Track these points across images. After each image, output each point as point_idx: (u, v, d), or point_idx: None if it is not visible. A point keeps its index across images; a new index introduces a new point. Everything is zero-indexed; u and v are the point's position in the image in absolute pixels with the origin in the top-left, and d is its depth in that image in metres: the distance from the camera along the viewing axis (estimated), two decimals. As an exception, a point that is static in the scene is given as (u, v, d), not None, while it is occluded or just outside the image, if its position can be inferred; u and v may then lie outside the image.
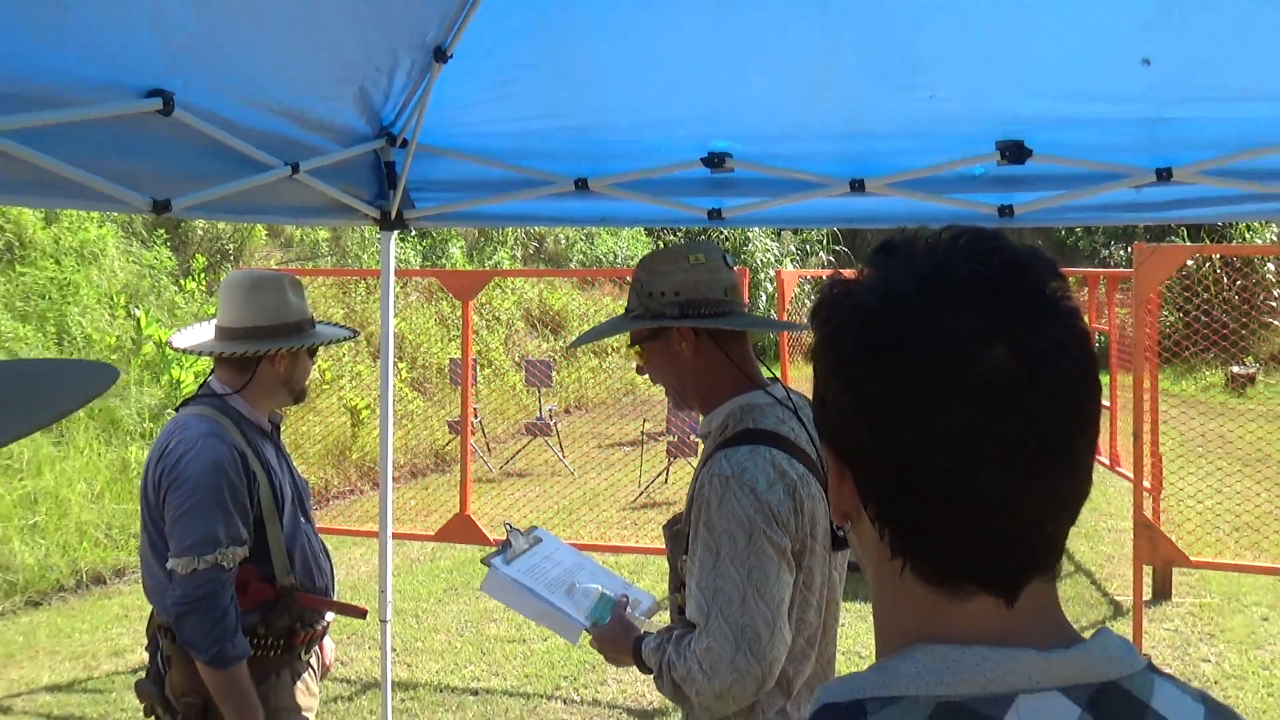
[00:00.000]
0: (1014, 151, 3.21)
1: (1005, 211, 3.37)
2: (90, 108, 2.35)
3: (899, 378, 0.85)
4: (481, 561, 2.80)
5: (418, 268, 15.40)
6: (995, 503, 0.85)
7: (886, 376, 0.86)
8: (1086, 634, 0.89)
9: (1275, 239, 19.42)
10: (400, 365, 13.59)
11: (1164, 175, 3.19)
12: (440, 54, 3.22)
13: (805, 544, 2.21)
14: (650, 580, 7.15)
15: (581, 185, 3.53)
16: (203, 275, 12.43)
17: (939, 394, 0.84)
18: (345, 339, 3.29)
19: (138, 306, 11.30)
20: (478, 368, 14.30)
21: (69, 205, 2.53)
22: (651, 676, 2.31)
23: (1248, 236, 19.34)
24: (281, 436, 3.28)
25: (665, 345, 2.38)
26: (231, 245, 13.53)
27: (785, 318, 9.01)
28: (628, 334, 2.45)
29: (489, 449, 13.56)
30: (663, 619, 2.65)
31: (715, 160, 3.42)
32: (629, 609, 2.57)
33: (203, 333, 3.15)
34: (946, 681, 0.84)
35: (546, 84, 3.37)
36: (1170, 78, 2.98)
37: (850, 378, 0.89)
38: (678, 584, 2.37)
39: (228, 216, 3.11)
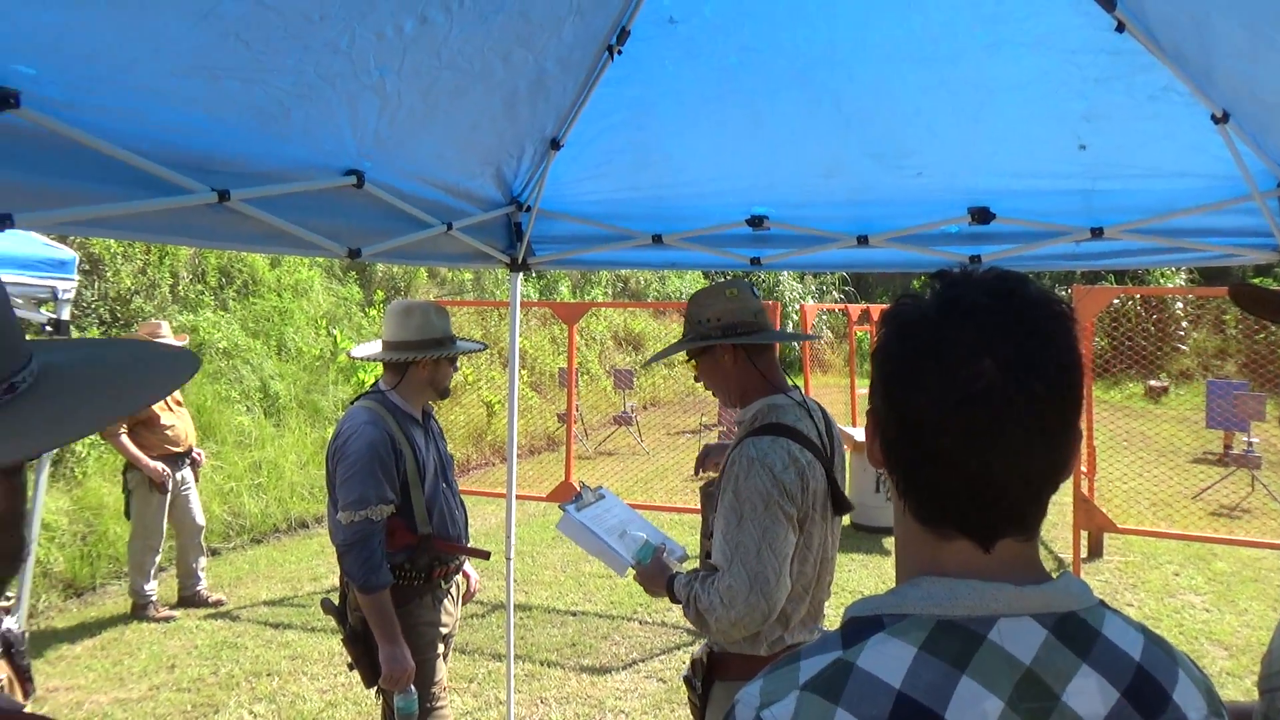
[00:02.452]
0: (981, 215, 3.16)
1: (975, 260, 3.29)
2: (305, 182, 2.42)
3: (911, 365, 0.87)
4: (559, 507, 2.80)
5: (536, 300, 15.51)
6: (963, 471, 0.85)
7: (903, 363, 0.88)
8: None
9: (1184, 282, 18.81)
10: (523, 372, 13.69)
11: (1097, 233, 3.12)
12: (555, 144, 3.26)
13: (808, 513, 2.18)
14: (686, 532, 7.11)
15: (657, 239, 3.53)
16: (381, 305, 12.63)
17: (932, 382, 0.84)
18: (476, 350, 3.30)
19: (335, 327, 11.53)
20: (579, 375, 14.37)
21: (288, 252, 2.60)
22: (680, 606, 2.29)
23: (1161, 281, 18.78)
24: (434, 423, 3.32)
25: (712, 358, 2.38)
26: (402, 283, 13.75)
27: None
28: (685, 351, 2.46)
29: (586, 434, 13.60)
30: (690, 564, 2.62)
31: (756, 221, 3.41)
32: (665, 554, 2.56)
33: (373, 346, 3.22)
34: (944, 605, 0.84)
35: (631, 166, 3.38)
36: (1100, 159, 2.93)
37: (883, 359, 0.90)
38: (708, 532, 2.35)
39: (400, 261, 3.14)
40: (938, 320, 0.86)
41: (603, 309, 17.35)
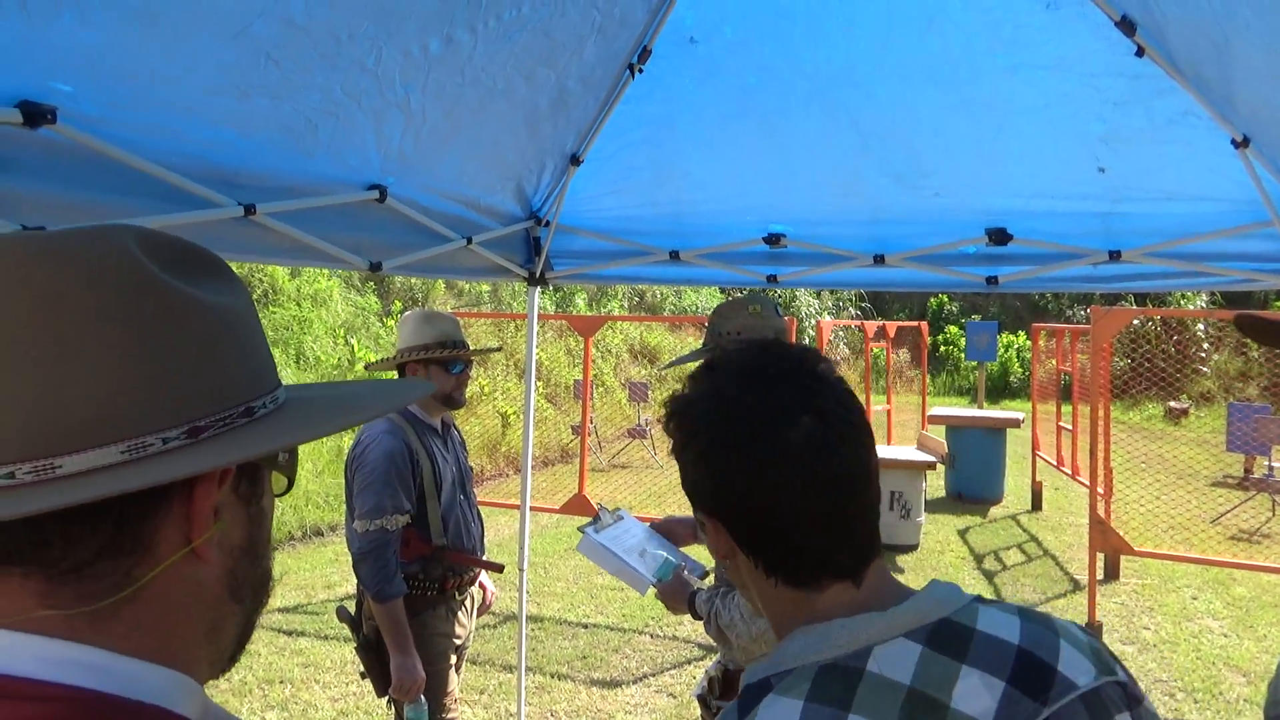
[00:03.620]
0: (999, 236, 3.17)
1: (991, 280, 3.31)
2: (329, 197, 2.45)
3: (741, 451, 0.90)
4: (578, 529, 2.82)
5: (553, 313, 15.56)
6: (835, 522, 0.89)
7: (734, 454, 0.90)
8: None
9: (1205, 305, 18.68)
10: (539, 384, 13.72)
11: (1115, 256, 3.12)
12: (575, 160, 3.29)
13: None
14: (702, 547, 7.10)
15: (674, 256, 3.56)
16: (398, 315, 12.71)
17: (773, 456, 0.88)
18: (460, 350, 3.13)
19: (353, 337, 11.61)
20: (594, 387, 14.39)
21: (311, 264, 2.64)
22: (701, 622, 2.30)
23: (1182, 303, 18.64)
24: (455, 434, 3.33)
25: None
26: (420, 293, 13.85)
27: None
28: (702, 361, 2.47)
29: (601, 447, 13.60)
30: (708, 581, 2.62)
31: (773, 239, 3.43)
32: (685, 571, 2.57)
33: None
34: (820, 650, 0.86)
35: (650, 182, 3.41)
36: (1119, 182, 2.94)
37: (710, 462, 0.93)
38: None
39: (420, 274, 3.16)
40: (752, 401, 0.91)
41: (619, 323, 17.39)
